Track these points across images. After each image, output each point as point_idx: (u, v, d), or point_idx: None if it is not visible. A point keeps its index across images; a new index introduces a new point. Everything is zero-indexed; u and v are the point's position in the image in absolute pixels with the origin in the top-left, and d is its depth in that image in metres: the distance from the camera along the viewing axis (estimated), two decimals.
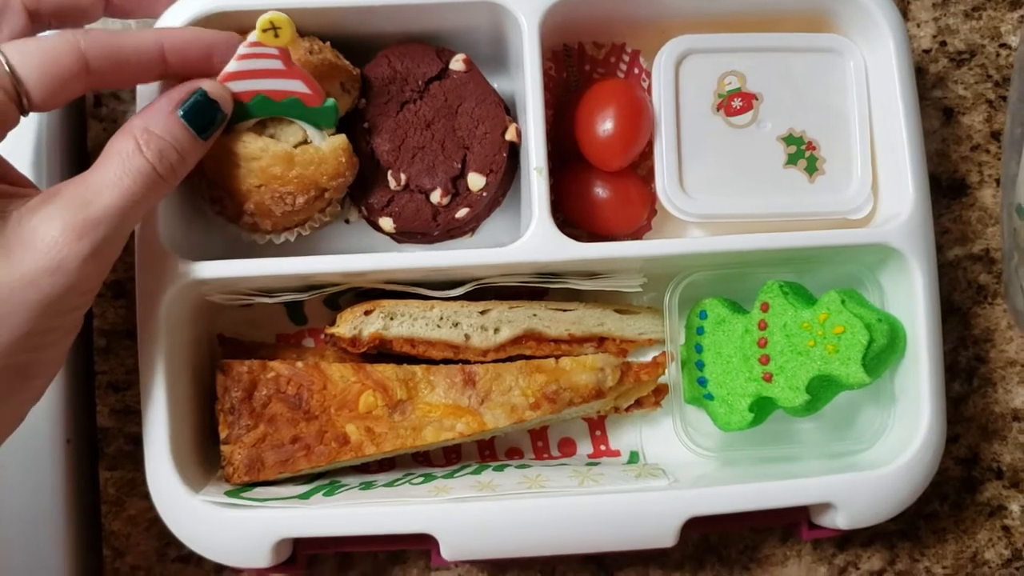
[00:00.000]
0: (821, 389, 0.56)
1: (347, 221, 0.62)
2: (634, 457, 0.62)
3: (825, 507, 0.55)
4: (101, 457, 0.63)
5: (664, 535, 0.53)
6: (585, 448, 0.63)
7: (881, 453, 0.57)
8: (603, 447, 0.63)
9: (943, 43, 0.68)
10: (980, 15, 0.69)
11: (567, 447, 0.63)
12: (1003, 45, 0.68)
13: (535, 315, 0.59)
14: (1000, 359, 0.66)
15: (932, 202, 0.66)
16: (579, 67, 0.63)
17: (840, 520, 0.55)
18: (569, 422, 0.63)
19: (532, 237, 0.55)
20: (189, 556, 0.63)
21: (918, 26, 0.68)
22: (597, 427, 0.63)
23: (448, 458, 0.62)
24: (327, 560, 0.63)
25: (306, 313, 0.62)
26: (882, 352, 0.55)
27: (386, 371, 0.56)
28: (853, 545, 0.64)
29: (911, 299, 0.56)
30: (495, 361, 0.58)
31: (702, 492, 0.54)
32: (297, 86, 0.54)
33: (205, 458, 0.57)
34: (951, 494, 0.65)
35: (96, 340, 0.63)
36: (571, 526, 0.53)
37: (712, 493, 0.54)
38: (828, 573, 0.64)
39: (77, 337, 0.51)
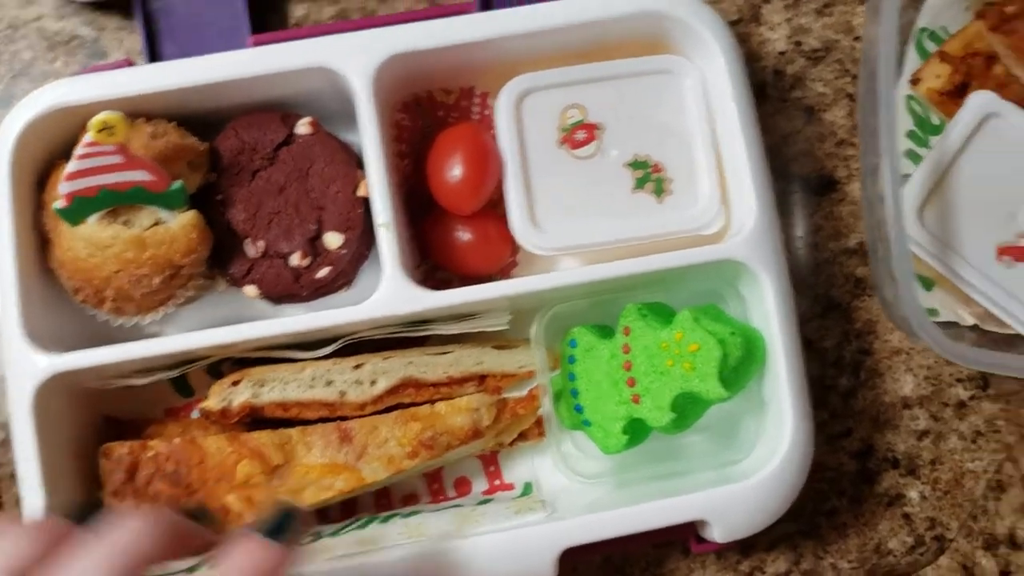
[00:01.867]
0: (687, 406, 0.57)
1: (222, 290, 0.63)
2: (528, 489, 0.63)
3: (704, 522, 0.56)
4: None
5: (542, 569, 0.54)
6: (480, 485, 0.64)
7: (756, 461, 0.58)
8: (497, 482, 0.64)
9: (798, 43, 0.69)
10: (831, 11, 0.70)
11: (463, 486, 0.64)
12: (857, 38, 0.69)
13: (411, 363, 0.60)
14: (884, 349, 0.67)
15: (803, 201, 0.67)
16: (432, 114, 0.64)
17: (716, 534, 0.56)
18: (463, 461, 0.64)
19: (384, 292, 0.56)
20: None
21: (771, 29, 0.69)
22: (491, 463, 0.64)
23: (345, 511, 0.63)
24: None
25: (191, 384, 0.63)
26: (740, 365, 0.56)
27: (261, 438, 0.58)
28: (757, 550, 0.65)
29: (764, 309, 0.57)
30: (374, 413, 0.59)
31: (575, 522, 0.55)
32: (140, 175, 0.55)
33: None
34: (848, 488, 0.66)
35: None
36: (451, 571, 0.54)
37: (584, 522, 0.55)
38: None
39: None
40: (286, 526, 0.43)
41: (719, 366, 0.55)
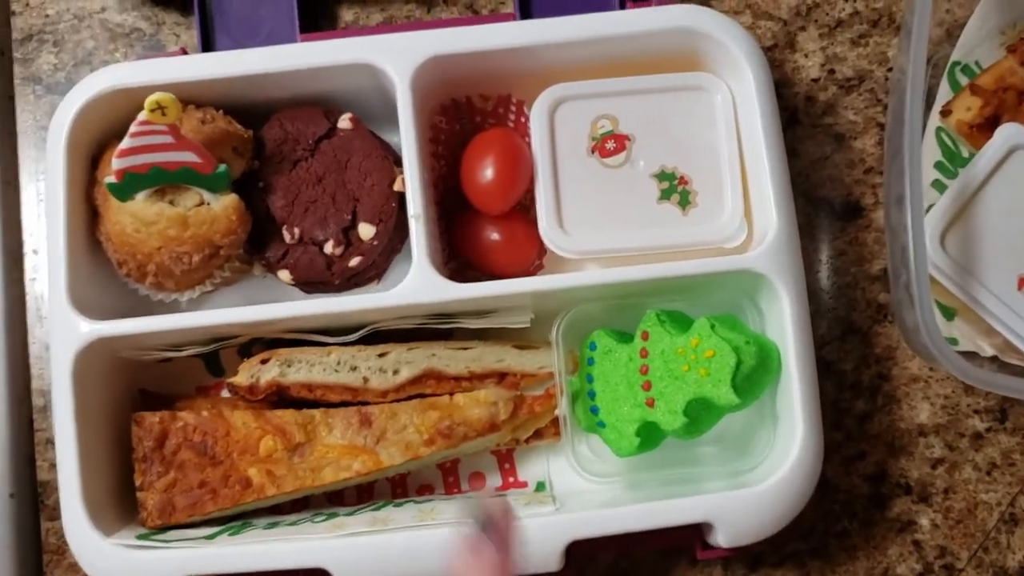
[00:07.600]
0: (701, 412, 0.58)
1: (262, 275, 0.66)
2: (541, 487, 0.64)
3: (709, 526, 0.57)
4: (42, 509, 0.67)
5: (549, 559, 0.56)
6: (494, 481, 0.65)
7: (765, 469, 0.59)
8: (512, 479, 0.65)
9: (832, 71, 0.71)
10: (867, 42, 0.71)
11: (477, 481, 0.65)
12: (891, 69, 0.71)
13: (434, 355, 0.62)
14: (903, 376, 0.67)
15: (829, 225, 0.68)
16: (470, 118, 0.66)
17: (721, 538, 0.56)
18: (479, 457, 0.65)
19: (411, 280, 0.58)
20: None
21: (806, 56, 0.71)
22: (506, 460, 0.65)
23: (360, 497, 0.64)
24: None
25: (223, 364, 0.66)
26: (753, 373, 0.57)
27: (285, 416, 0.60)
28: (764, 565, 0.66)
29: (781, 321, 0.58)
30: (395, 401, 0.61)
31: (582, 516, 0.56)
32: (188, 156, 0.58)
33: (127, 506, 0.61)
34: (860, 511, 0.66)
35: (34, 400, 0.67)
36: None
37: (591, 517, 0.56)
38: None
39: (19, 396, 0.52)
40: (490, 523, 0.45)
41: (732, 373, 0.56)
